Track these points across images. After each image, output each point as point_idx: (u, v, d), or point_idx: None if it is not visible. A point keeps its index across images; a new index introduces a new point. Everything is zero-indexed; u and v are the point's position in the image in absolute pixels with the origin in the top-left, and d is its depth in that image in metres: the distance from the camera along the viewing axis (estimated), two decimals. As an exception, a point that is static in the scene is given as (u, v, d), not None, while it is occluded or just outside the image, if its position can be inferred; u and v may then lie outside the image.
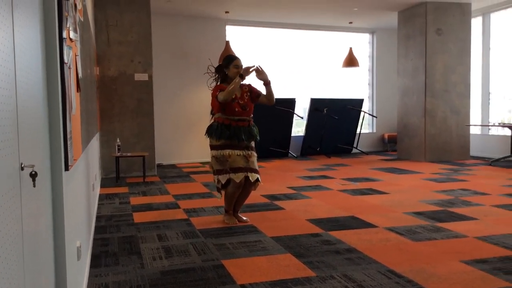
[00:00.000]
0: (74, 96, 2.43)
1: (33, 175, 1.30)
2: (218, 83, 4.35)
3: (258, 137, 4.32)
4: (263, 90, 4.35)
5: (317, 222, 4.29)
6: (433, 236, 3.75)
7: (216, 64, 4.62)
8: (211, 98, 4.29)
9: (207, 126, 4.35)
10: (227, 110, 4.16)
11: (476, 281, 2.77)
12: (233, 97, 4.14)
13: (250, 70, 4.19)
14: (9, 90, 1.17)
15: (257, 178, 4.22)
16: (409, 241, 3.61)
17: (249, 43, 10.25)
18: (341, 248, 3.48)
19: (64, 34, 2.07)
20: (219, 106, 4.17)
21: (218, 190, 4.35)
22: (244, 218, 4.40)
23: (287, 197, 5.56)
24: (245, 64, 4.30)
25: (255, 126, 4.33)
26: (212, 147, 4.24)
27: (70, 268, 1.96)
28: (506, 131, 8.95)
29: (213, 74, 4.41)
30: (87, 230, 3.34)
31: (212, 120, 4.32)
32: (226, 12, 9.10)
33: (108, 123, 7.62)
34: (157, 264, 3.20)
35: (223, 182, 4.20)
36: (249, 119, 4.27)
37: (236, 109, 4.16)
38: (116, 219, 4.59)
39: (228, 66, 4.28)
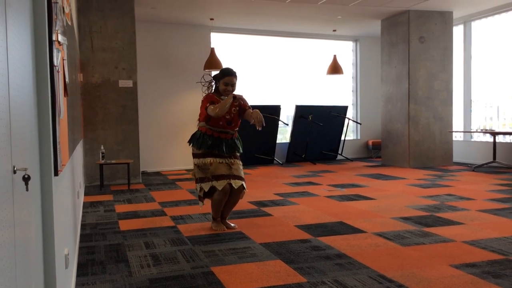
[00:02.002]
0: (62, 100, 2.38)
1: (26, 179, 1.25)
2: (211, 92, 4.30)
3: (241, 150, 4.29)
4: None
5: (306, 228, 4.27)
6: (421, 241, 3.77)
7: (206, 76, 4.62)
8: (200, 105, 4.27)
9: (191, 134, 4.32)
10: (211, 121, 4.13)
11: (467, 285, 2.78)
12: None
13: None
14: (2, 90, 1.13)
15: (242, 184, 4.19)
16: (398, 246, 3.62)
17: (234, 50, 10.25)
18: (330, 253, 3.46)
19: (53, 37, 2.02)
20: (205, 116, 4.14)
21: (200, 199, 4.30)
22: (232, 224, 4.36)
23: (275, 203, 5.54)
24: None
25: (239, 139, 4.31)
26: (194, 155, 4.22)
27: (59, 277, 1.90)
28: (488, 138, 9.09)
29: (206, 83, 4.37)
30: (73, 238, 3.27)
31: (197, 128, 4.29)
32: (211, 19, 9.09)
33: (92, 130, 7.51)
34: (145, 271, 3.14)
35: (206, 190, 4.16)
36: (233, 133, 4.24)
37: (220, 123, 4.14)
38: (102, 227, 4.51)
39: (220, 80, 4.23)
